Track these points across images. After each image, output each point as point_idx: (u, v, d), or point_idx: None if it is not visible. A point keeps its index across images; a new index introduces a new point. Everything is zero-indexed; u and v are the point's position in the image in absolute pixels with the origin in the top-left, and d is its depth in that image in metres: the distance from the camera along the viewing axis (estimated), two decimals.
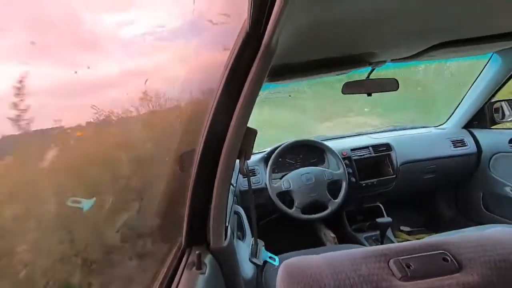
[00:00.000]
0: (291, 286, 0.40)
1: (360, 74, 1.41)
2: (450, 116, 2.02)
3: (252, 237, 1.02)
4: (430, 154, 1.87)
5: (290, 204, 1.64)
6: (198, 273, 0.73)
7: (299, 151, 1.86)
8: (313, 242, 1.90)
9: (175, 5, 0.84)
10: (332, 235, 1.90)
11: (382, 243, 1.69)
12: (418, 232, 2.08)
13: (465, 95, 1.88)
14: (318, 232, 2.00)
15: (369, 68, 1.33)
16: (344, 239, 1.91)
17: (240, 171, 0.85)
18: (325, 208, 1.62)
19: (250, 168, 1.76)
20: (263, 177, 1.74)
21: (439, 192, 2.15)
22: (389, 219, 1.65)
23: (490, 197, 1.86)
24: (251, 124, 0.71)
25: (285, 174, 1.73)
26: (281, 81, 1.24)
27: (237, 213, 1.36)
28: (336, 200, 1.63)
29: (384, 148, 1.87)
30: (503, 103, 1.76)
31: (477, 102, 1.82)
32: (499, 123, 1.82)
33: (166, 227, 0.94)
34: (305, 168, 1.71)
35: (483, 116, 1.85)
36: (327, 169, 1.73)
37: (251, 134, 0.74)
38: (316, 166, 1.77)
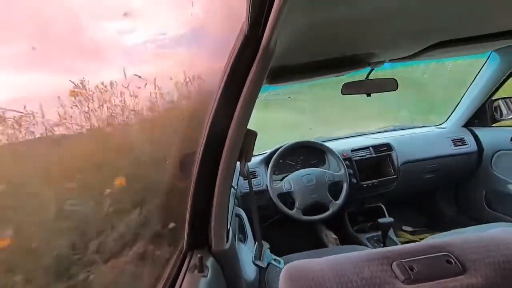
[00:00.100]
0: None
1: (359, 74, 1.41)
2: (450, 115, 2.02)
3: (255, 239, 1.01)
4: (431, 153, 1.87)
5: (291, 205, 1.63)
6: (200, 276, 0.73)
7: (300, 153, 1.86)
8: (315, 243, 1.90)
9: (175, 11, 0.84)
10: (334, 236, 1.89)
11: (384, 243, 1.68)
12: (421, 232, 2.07)
13: (464, 94, 1.88)
14: (319, 234, 1.99)
15: (368, 69, 1.33)
16: (346, 240, 1.90)
17: (240, 173, 0.85)
18: (326, 209, 1.62)
19: (250, 170, 1.76)
20: (264, 179, 1.74)
21: (440, 191, 2.15)
22: (391, 219, 1.64)
23: (493, 195, 1.86)
24: (250, 126, 0.71)
25: (286, 176, 1.72)
26: (281, 83, 1.24)
27: (238, 215, 1.36)
28: (337, 201, 1.63)
29: (385, 148, 1.86)
30: (500, 101, 1.76)
31: (476, 101, 1.82)
32: (499, 121, 1.82)
33: (168, 230, 0.94)
34: (306, 169, 1.71)
35: (484, 114, 1.84)
36: (327, 170, 1.72)
37: (251, 136, 0.74)
38: (317, 167, 1.77)
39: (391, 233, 1.82)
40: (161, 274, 0.79)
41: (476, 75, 1.78)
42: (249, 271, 1.06)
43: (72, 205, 0.68)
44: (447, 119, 2.04)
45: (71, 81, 0.70)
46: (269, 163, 1.71)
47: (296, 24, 0.57)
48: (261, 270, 1.09)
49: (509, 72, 1.64)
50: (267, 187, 1.66)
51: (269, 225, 1.87)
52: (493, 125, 1.86)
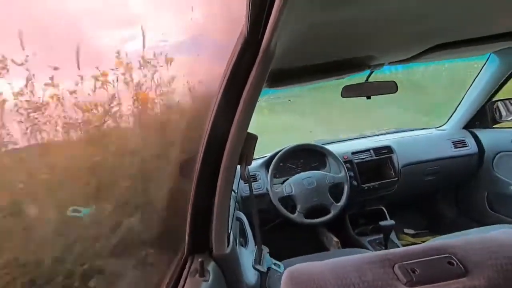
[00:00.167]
0: None
1: (358, 77, 1.41)
2: (450, 117, 2.02)
3: (255, 243, 1.01)
4: (432, 155, 1.87)
5: (292, 209, 1.63)
6: (201, 280, 0.73)
7: (300, 156, 1.85)
8: (316, 247, 1.89)
9: (175, 17, 0.85)
10: (336, 239, 1.88)
11: (386, 246, 1.67)
12: (423, 234, 2.06)
13: (463, 96, 1.88)
14: (320, 237, 1.98)
15: (368, 71, 1.33)
16: (348, 243, 1.89)
17: (241, 177, 0.85)
18: (328, 212, 1.61)
19: (251, 173, 1.76)
20: (264, 183, 1.73)
21: (441, 193, 2.14)
22: (392, 222, 1.63)
23: (495, 197, 1.85)
24: (250, 129, 0.71)
25: (287, 179, 1.72)
26: (281, 87, 1.25)
27: (239, 219, 1.35)
28: (338, 204, 1.62)
29: (385, 151, 1.86)
30: (499, 103, 1.77)
31: (476, 103, 1.82)
32: (500, 123, 1.82)
33: (169, 234, 0.93)
34: (307, 172, 1.71)
35: (485, 116, 1.84)
36: (328, 173, 1.72)
37: (252, 139, 0.74)
38: (318, 170, 1.76)
39: (393, 236, 1.81)
40: (162, 278, 0.78)
41: (476, 77, 1.78)
42: (250, 276, 1.06)
43: (74, 211, 0.68)
44: (447, 121, 2.04)
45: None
46: (270, 166, 1.71)
47: (295, 27, 0.58)
48: (262, 275, 1.08)
49: (508, 73, 1.65)
50: (267, 190, 1.66)
51: (270, 228, 1.87)
52: (494, 126, 1.85)
